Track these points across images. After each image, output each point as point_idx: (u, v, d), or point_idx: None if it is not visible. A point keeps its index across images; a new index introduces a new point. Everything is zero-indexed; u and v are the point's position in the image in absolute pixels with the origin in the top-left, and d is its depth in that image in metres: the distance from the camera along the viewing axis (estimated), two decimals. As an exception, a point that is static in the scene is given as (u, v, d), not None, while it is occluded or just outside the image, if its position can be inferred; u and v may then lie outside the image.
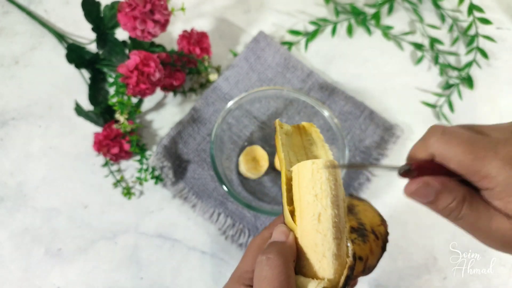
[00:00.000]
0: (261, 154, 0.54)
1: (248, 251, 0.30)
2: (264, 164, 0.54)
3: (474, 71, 0.65)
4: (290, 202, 0.29)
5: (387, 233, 0.32)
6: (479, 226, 0.26)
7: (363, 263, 0.30)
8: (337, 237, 0.26)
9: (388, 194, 0.57)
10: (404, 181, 0.28)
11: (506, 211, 0.25)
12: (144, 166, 0.54)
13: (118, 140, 0.54)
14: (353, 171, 0.56)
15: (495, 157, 0.24)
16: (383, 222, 0.34)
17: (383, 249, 0.32)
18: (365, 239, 0.31)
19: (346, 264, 0.26)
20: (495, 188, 0.25)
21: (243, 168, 0.54)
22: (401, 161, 0.60)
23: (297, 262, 0.28)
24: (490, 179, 0.24)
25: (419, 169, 0.27)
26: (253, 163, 0.54)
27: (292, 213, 0.29)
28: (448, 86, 0.63)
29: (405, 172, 0.27)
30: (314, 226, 0.27)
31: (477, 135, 0.26)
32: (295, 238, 0.28)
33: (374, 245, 0.31)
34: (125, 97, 0.51)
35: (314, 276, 0.27)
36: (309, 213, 0.27)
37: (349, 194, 0.38)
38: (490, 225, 0.25)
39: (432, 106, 0.62)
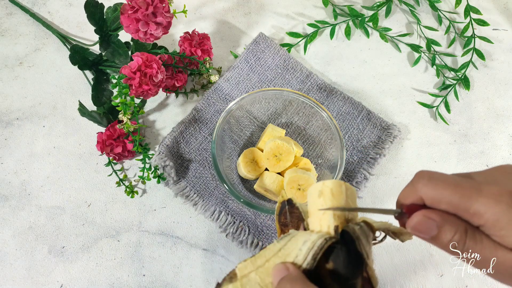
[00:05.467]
0: (260, 155, 0.55)
1: None
2: (263, 165, 0.55)
3: (470, 72, 0.66)
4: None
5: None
6: (485, 257, 0.26)
7: None
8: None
9: (385, 192, 0.58)
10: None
11: (504, 244, 0.26)
12: (147, 165, 0.55)
13: (121, 140, 0.55)
14: (351, 171, 0.57)
15: (480, 195, 0.26)
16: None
17: None
18: None
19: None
20: (485, 224, 0.26)
21: (243, 171, 0.54)
22: (398, 161, 0.61)
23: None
24: (479, 216, 0.26)
25: (410, 212, 0.28)
26: (252, 165, 0.55)
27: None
28: (445, 87, 0.64)
29: (399, 215, 0.29)
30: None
31: (461, 178, 0.28)
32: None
33: None
34: (128, 98, 0.52)
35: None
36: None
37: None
38: (496, 256, 0.26)
39: (429, 106, 0.63)
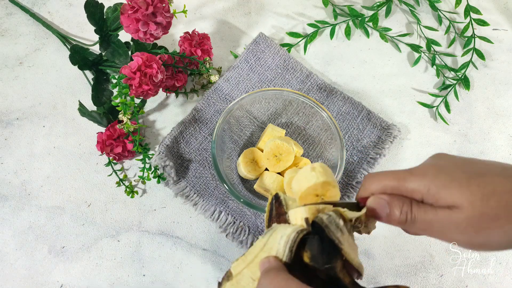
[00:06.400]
0: (260, 155, 0.55)
1: None
2: (263, 165, 0.55)
3: (470, 72, 0.66)
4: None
5: None
6: (429, 219, 0.31)
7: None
8: None
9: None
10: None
11: (441, 205, 0.31)
12: (147, 165, 0.55)
13: (121, 140, 0.55)
14: (351, 171, 0.57)
15: (411, 175, 0.32)
16: None
17: None
18: None
19: None
20: (423, 197, 0.32)
21: (243, 171, 0.54)
22: (398, 161, 0.62)
23: None
24: (416, 192, 0.32)
25: (364, 202, 0.35)
26: (252, 165, 0.55)
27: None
28: (445, 87, 0.65)
29: (357, 206, 0.36)
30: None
31: (397, 170, 0.34)
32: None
33: None
34: (128, 98, 0.52)
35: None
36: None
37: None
38: (437, 217, 0.31)
39: (429, 106, 0.63)
